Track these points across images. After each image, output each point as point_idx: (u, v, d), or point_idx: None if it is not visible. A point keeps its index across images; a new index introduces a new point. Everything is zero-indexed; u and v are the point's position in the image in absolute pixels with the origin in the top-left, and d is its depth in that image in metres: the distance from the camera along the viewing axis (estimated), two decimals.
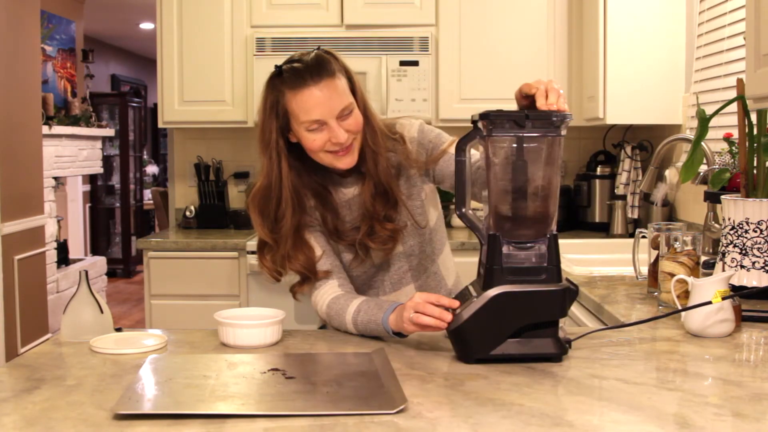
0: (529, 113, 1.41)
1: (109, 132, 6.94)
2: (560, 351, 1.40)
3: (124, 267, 8.24)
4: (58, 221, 5.75)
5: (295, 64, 1.65)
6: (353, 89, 1.69)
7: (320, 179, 1.77)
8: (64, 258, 5.87)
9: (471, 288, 1.48)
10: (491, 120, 1.41)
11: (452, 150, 1.74)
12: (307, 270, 1.72)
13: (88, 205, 7.72)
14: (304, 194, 1.74)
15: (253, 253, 3.31)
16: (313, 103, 1.62)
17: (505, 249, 1.42)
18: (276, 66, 1.67)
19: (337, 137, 1.64)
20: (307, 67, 1.64)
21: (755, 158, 1.86)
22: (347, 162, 1.69)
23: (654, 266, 1.94)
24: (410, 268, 1.84)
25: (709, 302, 1.54)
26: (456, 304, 1.45)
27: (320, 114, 1.62)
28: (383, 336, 1.59)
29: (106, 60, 9.31)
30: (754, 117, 1.87)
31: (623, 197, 3.51)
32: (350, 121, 1.66)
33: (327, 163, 1.70)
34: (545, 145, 1.43)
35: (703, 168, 2.53)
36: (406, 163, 1.78)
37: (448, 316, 1.43)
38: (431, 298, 1.46)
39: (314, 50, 1.68)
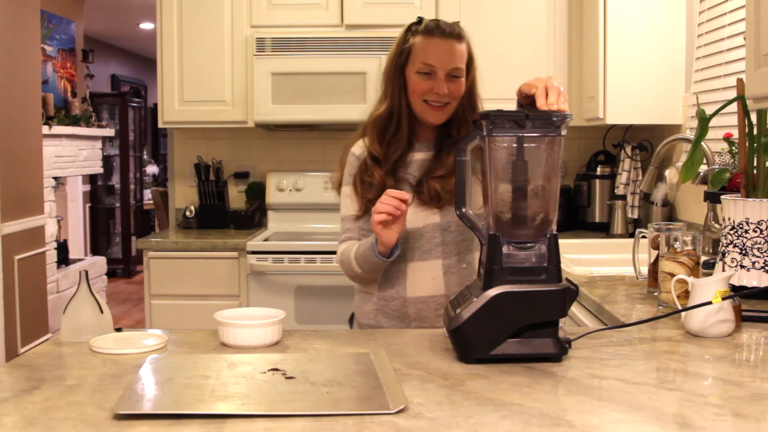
0: (529, 113, 1.41)
1: (109, 132, 6.94)
2: (560, 351, 1.40)
3: (124, 267, 8.24)
4: (58, 221, 5.75)
5: (435, 21, 1.91)
6: (469, 67, 1.91)
7: None
8: (64, 258, 5.87)
9: (471, 288, 1.48)
10: (491, 120, 1.41)
11: None
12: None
13: (88, 205, 7.72)
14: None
15: (252, 253, 3.31)
16: (435, 50, 1.86)
17: (505, 249, 1.42)
18: (418, 17, 1.93)
19: (440, 88, 1.85)
20: (445, 24, 1.89)
21: (755, 158, 1.87)
22: (437, 117, 1.88)
23: (654, 266, 1.94)
24: (443, 242, 1.89)
25: (709, 302, 1.54)
26: (406, 196, 1.70)
27: (435, 61, 1.85)
28: (376, 263, 1.81)
29: (106, 60, 9.31)
30: (754, 117, 1.87)
31: (623, 197, 3.51)
32: (455, 85, 1.87)
33: (420, 112, 1.88)
34: (545, 145, 1.43)
35: (703, 168, 2.54)
36: None
37: (404, 201, 1.68)
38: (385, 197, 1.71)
39: (454, 23, 1.92)
